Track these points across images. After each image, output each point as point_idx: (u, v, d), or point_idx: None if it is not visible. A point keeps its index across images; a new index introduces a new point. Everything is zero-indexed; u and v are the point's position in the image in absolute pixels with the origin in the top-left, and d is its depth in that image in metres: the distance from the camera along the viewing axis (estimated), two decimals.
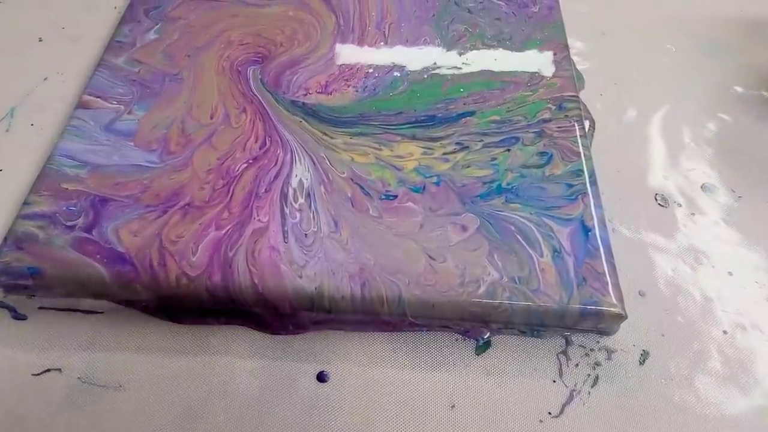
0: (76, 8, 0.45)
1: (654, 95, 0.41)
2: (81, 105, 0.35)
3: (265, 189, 0.32)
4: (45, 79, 0.40)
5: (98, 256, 0.29)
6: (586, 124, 0.37)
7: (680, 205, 0.35)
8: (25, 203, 0.31)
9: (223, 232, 0.30)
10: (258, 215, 0.31)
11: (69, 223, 0.30)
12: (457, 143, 0.34)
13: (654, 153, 0.38)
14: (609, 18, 0.46)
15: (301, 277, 0.29)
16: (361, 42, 0.40)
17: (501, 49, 0.40)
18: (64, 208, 0.31)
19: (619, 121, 0.39)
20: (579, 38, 0.44)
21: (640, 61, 0.43)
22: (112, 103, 0.35)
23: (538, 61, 0.39)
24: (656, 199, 0.36)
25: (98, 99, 0.36)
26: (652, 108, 0.40)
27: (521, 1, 0.43)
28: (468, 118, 0.36)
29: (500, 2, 0.43)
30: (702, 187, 0.36)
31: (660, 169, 0.37)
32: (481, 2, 0.43)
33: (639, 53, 0.44)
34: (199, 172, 0.32)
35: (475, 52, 0.39)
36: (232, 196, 0.32)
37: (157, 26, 0.40)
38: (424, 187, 0.32)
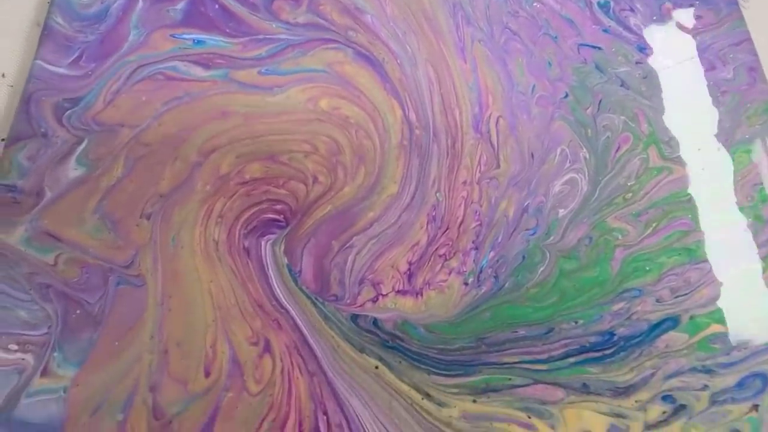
0: None
1: None
2: None
3: None
4: None
5: None
6: None
7: None
8: None
9: None
10: None
11: None
12: (664, 398, 0.19)
13: None
14: None
15: None
16: (454, 161, 0.22)
17: None
18: None
19: None
20: None
21: None
22: (11, 352, 0.18)
23: None
24: None
25: None
26: None
27: None
28: (671, 332, 0.20)
29: None
30: None
31: None
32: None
33: None
34: None
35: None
36: None
37: (82, 147, 0.21)
38: None
